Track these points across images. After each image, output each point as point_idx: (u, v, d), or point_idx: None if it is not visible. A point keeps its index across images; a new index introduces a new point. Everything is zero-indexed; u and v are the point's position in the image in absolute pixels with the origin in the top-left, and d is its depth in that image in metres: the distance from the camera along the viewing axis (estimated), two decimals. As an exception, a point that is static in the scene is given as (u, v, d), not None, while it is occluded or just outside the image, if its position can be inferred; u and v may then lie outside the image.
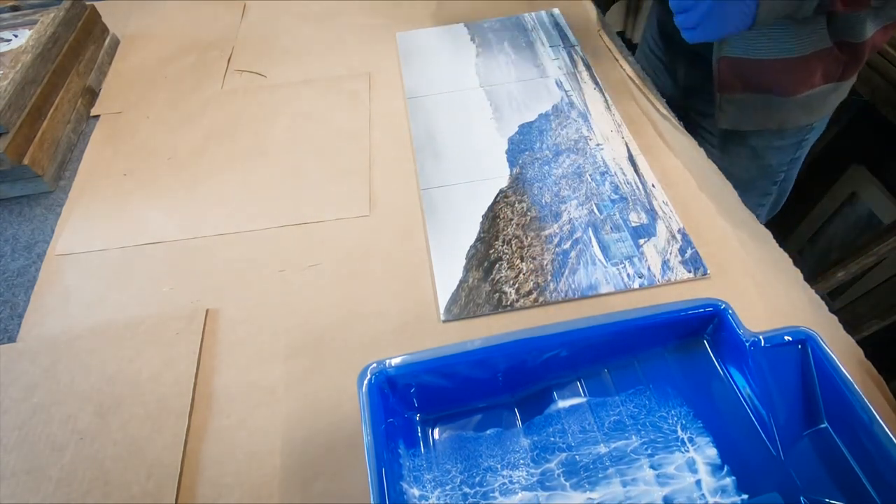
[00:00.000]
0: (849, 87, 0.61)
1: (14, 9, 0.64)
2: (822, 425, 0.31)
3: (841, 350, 0.38)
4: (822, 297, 0.41)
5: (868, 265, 0.94)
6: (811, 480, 0.30)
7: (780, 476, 0.31)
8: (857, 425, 0.29)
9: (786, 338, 0.32)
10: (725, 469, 0.31)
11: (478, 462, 0.32)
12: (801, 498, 0.30)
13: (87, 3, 0.67)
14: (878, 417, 0.28)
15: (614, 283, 0.42)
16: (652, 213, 0.47)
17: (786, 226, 1.20)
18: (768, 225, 0.46)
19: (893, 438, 0.27)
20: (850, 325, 0.39)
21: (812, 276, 0.99)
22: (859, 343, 0.39)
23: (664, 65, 0.71)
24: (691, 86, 0.68)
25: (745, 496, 0.30)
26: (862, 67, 0.57)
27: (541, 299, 0.42)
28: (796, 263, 0.43)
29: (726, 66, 0.57)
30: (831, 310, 0.40)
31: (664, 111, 0.56)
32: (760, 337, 0.32)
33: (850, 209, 1.06)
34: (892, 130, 0.94)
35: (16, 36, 0.59)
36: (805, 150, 0.68)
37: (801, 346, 0.32)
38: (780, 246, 0.44)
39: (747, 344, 0.32)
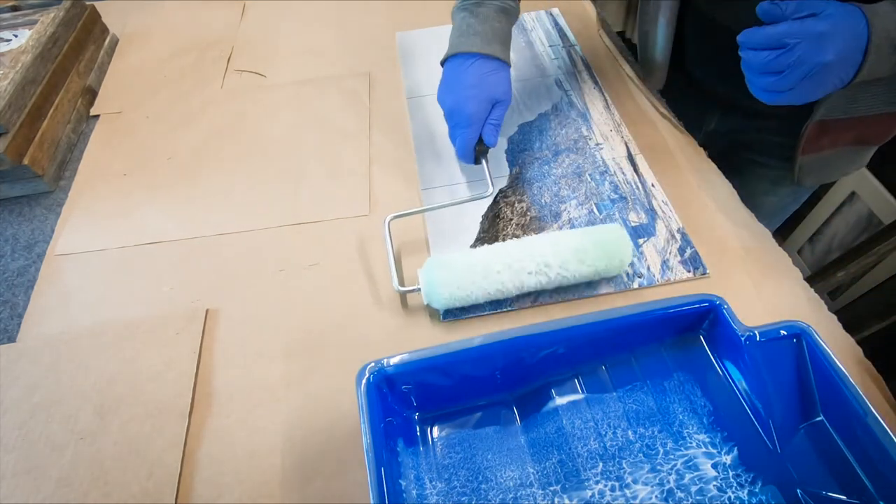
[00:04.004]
0: None
1: (14, 9, 0.64)
2: (818, 418, 0.31)
3: (840, 349, 0.38)
4: (822, 297, 0.41)
5: (868, 265, 0.94)
6: (808, 473, 0.30)
7: (777, 469, 0.31)
8: (853, 417, 0.29)
9: (781, 332, 0.32)
10: (722, 463, 0.31)
11: (476, 459, 0.32)
12: (798, 490, 0.30)
13: (87, 3, 0.67)
14: (872, 409, 0.28)
15: (614, 282, 0.42)
16: (651, 213, 0.47)
17: (786, 226, 1.20)
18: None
19: (888, 430, 0.28)
20: (850, 325, 0.39)
21: (812, 276, 0.99)
22: (859, 343, 0.39)
23: (686, 113, 0.60)
24: (722, 132, 0.61)
25: (742, 490, 0.30)
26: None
27: (541, 299, 0.42)
28: (795, 263, 0.43)
29: (819, 130, 0.51)
30: (831, 310, 0.40)
31: (663, 111, 0.56)
32: (756, 332, 0.32)
33: (850, 209, 1.06)
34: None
35: (16, 36, 0.59)
36: None
37: (796, 340, 0.32)
38: (780, 246, 0.44)
39: (743, 339, 0.32)
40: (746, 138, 0.60)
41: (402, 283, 0.43)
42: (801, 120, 0.50)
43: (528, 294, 0.42)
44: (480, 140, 0.47)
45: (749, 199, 0.48)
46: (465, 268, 0.39)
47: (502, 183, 0.50)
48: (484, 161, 0.48)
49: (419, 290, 0.40)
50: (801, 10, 0.35)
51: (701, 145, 0.53)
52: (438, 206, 0.46)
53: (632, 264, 0.43)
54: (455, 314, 0.41)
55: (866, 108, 0.48)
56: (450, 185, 0.50)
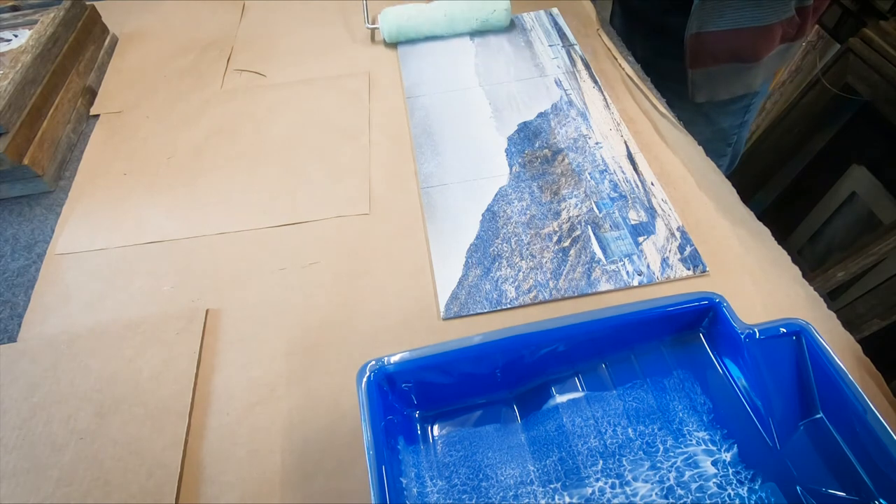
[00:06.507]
0: (799, 47, 0.67)
1: (14, 9, 0.64)
2: (818, 415, 0.31)
3: (839, 347, 0.38)
4: (822, 297, 0.41)
5: (868, 265, 0.94)
6: (807, 470, 0.30)
7: (777, 466, 0.31)
8: (852, 415, 0.29)
9: (781, 330, 0.32)
10: (722, 460, 0.31)
11: (477, 458, 0.32)
12: (798, 487, 0.30)
13: (87, 3, 0.67)
14: (871, 407, 0.28)
15: (614, 280, 0.42)
16: (651, 211, 0.47)
17: (786, 225, 1.21)
18: (768, 223, 0.46)
19: (887, 427, 0.28)
20: (850, 325, 0.39)
21: (812, 275, 0.99)
22: (859, 343, 0.39)
23: (622, 40, 0.69)
24: (646, 60, 0.67)
25: (742, 487, 0.30)
26: (812, 26, 0.63)
27: (540, 297, 0.42)
28: (795, 262, 0.43)
29: (697, 43, 0.59)
30: (831, 309, 0.40)
31: (663, 110, 0.56)
32: (755, 329, 0.32)
33: (850, 209, 1.06)
34: (892, 130, 0.94)
35: (16, 36, 0.59)
36: (753, 113, 0.73)
37: (796, 338, 0.32)
38: (780, 245, 0.45)
39: (742, 336, 0.32)
40: (656, 64, 0.66)
41: (371, 23, 0.66)
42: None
43: (530, 290, 0.42)
44: None
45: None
46: (409, 10, 0.63)
47: (502, 181, 0.50)
48: None
49: (378, 27, 0.64)
50: None
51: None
52: None
53: (632, 262, 0.43)
54: (456, 312, 0.41)
55: (733, 22, 0.57)
56: (449, 184, 0.50)
